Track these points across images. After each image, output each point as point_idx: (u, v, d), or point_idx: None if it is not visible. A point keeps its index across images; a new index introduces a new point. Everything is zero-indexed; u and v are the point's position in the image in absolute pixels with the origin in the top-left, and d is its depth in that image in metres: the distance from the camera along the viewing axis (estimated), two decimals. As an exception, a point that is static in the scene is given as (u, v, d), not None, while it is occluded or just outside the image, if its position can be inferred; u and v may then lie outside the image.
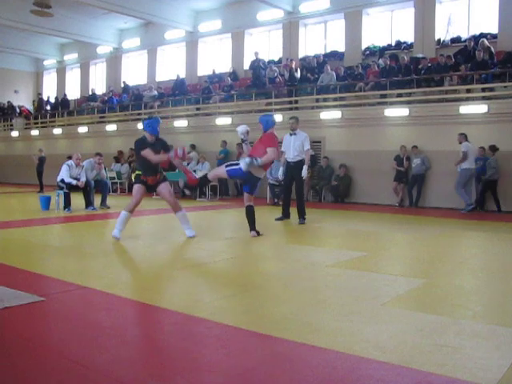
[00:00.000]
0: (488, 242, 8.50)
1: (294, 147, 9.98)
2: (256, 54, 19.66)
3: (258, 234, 8.18)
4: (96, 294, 4.65)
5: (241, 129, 8.28)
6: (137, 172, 7.86)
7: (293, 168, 10.03)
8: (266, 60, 20.90)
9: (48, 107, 27.90)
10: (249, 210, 8.26)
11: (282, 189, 14.27)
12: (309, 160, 10.19)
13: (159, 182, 7.87)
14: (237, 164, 8.03)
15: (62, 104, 26.72)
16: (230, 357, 3.24)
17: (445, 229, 9.82)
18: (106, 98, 24.50)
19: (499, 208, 12.95)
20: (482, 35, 15.64)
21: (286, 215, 10.42)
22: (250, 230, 8.22)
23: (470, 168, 12.87)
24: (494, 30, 15.82)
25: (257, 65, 19.36)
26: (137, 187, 7.74)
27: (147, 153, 7.57)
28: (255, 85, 19.10)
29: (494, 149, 13.03)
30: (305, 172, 9.90)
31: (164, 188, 7.90)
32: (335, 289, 4.97)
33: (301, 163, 9.93)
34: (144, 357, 3.20)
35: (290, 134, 10.17)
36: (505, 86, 13.61)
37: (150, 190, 7.99)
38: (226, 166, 8.11)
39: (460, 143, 12.95)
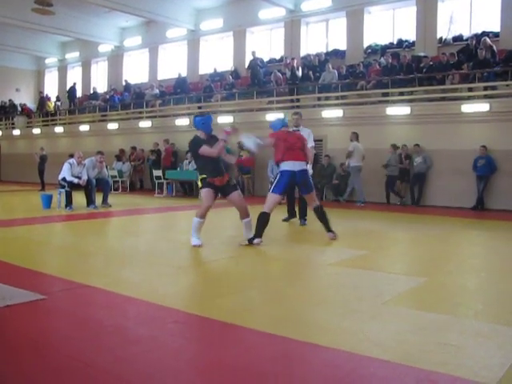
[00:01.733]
0: (490, 240, 8.51)
1: None
2: (253, 53, 19.63)
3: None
4: (98, 292, 4.65)
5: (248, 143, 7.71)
6: (201, 176, 7.23)
7: None
8: (268, 58, 20.93)
9: (59, 104, 27.74)
10: (321, 210, 7.83)
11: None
12: (312, 158, 9.66)
13: (230, 186, 7.29)
14: (276, 180, 7.62)
15: (69, 94, 26.81)
16: (231, 355, 3.23)
17: (446, 227, 9.82)
18: (108, 97, 24.50)
19: (387, 200, 14.68)
20: (484, 34, 15.59)
21: (291, 215, 10.19)
22: (328, 231, 7.79)
23: (358, 165, 14.29)
24: (496, 28, 15.79)
25: (254, 64, 19.35)
26: (205, 191, 7.16)
27: (205, 149, 7.07)
28: (253, 84, 19.10)
29: (395, 147, 14.38)
30: (309, 171, 9.35)
31: (235, 195, 7.32)
32: (337, 287, 4.97)
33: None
34: (146, 355, 3.20)
35: (294, 131, 9.52)
36: (507, 85, 13.60)
37: (220, 192, 7.35)
38: (272, 191, 7.58)
39: (351, 141, 14.28)
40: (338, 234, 7.85)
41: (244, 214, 7.39)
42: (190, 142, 7.38)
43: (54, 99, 28.28)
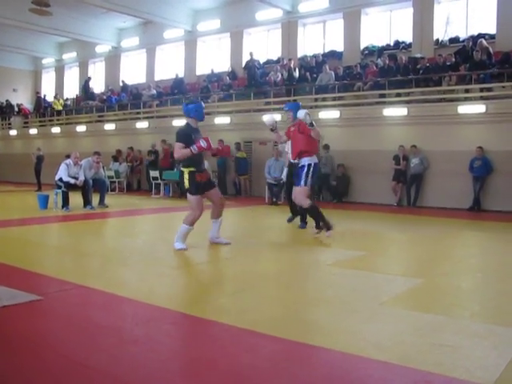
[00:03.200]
0: (486, 241, 8.53)
1: None
2: (251, 54, 19.67)
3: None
4: (94, 292, 4.65)
5: (268, 120, 8.30)
6: (189, 169, 6.76)
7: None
8: (265, 59, 20.95)
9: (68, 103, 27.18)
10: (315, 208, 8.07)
11: (279, 189, 14.35)
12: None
13: (211, 182, 7.14)
14: (297, 177, 8.00)
15: (85, 89, 26.43)
16: (228, 356, 3.24)
17: (443, 228, 9.84)
18: (105, 97, 24.47)
19: (335, 198, 15.46)
20: (480, 35, 15.65)
21: (294, 214, 9.91)
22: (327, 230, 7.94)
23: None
24: (492, 30, 15.82)
25: (251, 65, 19.38)
26: (197, 199, 6.78)
27: (176, 146, 6.74)
28: (250, 85, 19.11)
29: (326, 147, 15.32)
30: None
31: (216, 191, 7.16)
32: (334, 288, 4.98)
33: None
34: (142, 356, 3.20)
35: None
36: (503, 86, 13.65)
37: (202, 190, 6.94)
38: (296, 185, 8.06)
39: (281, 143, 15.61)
40: (336, 235, 7.86)
41: (220, 213, 7.23)
42: (181, 131, 6.94)
43: (53, 97, 28.05)
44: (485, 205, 13.32)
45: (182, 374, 2.96)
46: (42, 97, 28.52)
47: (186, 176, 6.76)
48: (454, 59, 14.69)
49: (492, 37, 15.62)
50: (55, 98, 27.17)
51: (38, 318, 3.98)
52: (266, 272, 5.81)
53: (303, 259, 6.49)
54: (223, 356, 3.23)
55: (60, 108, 26.48)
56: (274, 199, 14.33)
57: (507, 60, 13.95)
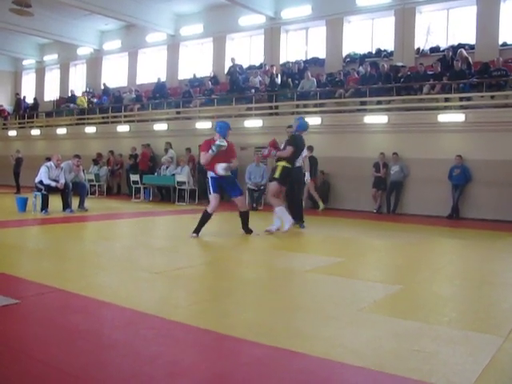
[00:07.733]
0: (464, 249, 8.61)
1: None
2: (233, 59, 19.69)
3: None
4: (72, 296, 4.60)
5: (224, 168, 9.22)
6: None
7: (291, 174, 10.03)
8: (248, 65, 20.99)
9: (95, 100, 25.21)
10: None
11: (259, 195, 14.40)
12: (308, 165, 10.28)
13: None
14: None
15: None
16: (207, 361, 3.23)
17: (422, 236, 9.91)
18: (86, 99, 24.26)
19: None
20: (460, 45, 15.86)
21: (298, 219, 10.14)
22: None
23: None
24: (472, 41, 16.06)
25: (233, 70, 19.41)
26: None
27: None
28: (232, 90, 19.14)
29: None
30: (307, 177, 10.18)
31: None
32: (313, 294, 4.99)
33: (300, 169, 9.99)
34: (121, 361, 3.17)
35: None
36: (481, 96, 13.82)
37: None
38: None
39: (168, 149, 17.72)
40: (315, 241, 7.88)
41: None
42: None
43: (30, 101, 27.77)
44: (463, 213, 13.47)
45: (161, 379, 2.94)
46: (22, 98, 28.17)
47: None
48: (439, 69, 14.76)
49: (472, 47, 15.85)
50: (83, 94, 25.04)
51: (15, 321, 3.93)
52: (245, 278, 5.80)
53: (282, 265, 6.50)
54: (202, 361, 3.22)
55: (85, 106, 24.22)
56: (254, 205, 14.34)
57: (486, 70, 14.16)
